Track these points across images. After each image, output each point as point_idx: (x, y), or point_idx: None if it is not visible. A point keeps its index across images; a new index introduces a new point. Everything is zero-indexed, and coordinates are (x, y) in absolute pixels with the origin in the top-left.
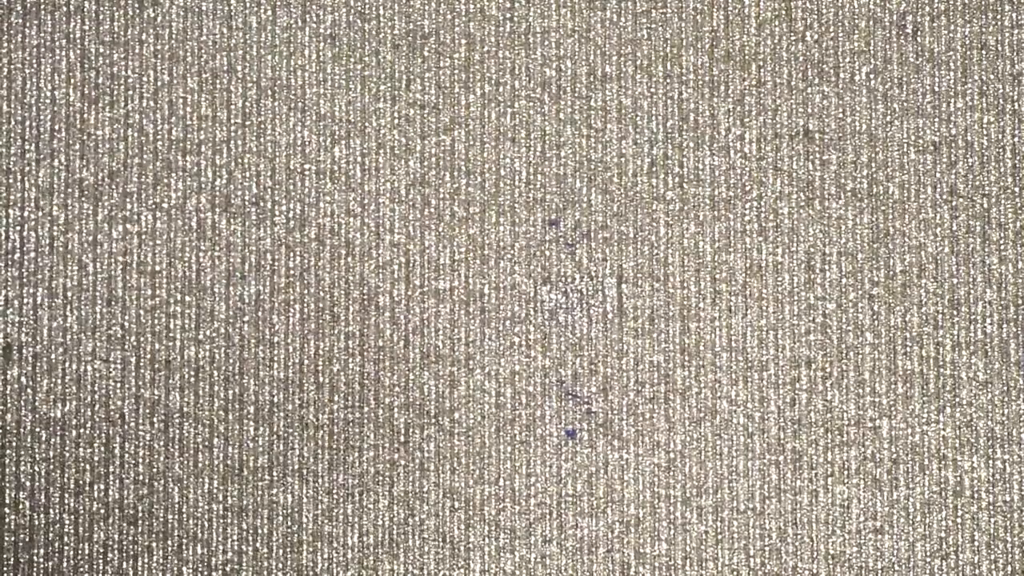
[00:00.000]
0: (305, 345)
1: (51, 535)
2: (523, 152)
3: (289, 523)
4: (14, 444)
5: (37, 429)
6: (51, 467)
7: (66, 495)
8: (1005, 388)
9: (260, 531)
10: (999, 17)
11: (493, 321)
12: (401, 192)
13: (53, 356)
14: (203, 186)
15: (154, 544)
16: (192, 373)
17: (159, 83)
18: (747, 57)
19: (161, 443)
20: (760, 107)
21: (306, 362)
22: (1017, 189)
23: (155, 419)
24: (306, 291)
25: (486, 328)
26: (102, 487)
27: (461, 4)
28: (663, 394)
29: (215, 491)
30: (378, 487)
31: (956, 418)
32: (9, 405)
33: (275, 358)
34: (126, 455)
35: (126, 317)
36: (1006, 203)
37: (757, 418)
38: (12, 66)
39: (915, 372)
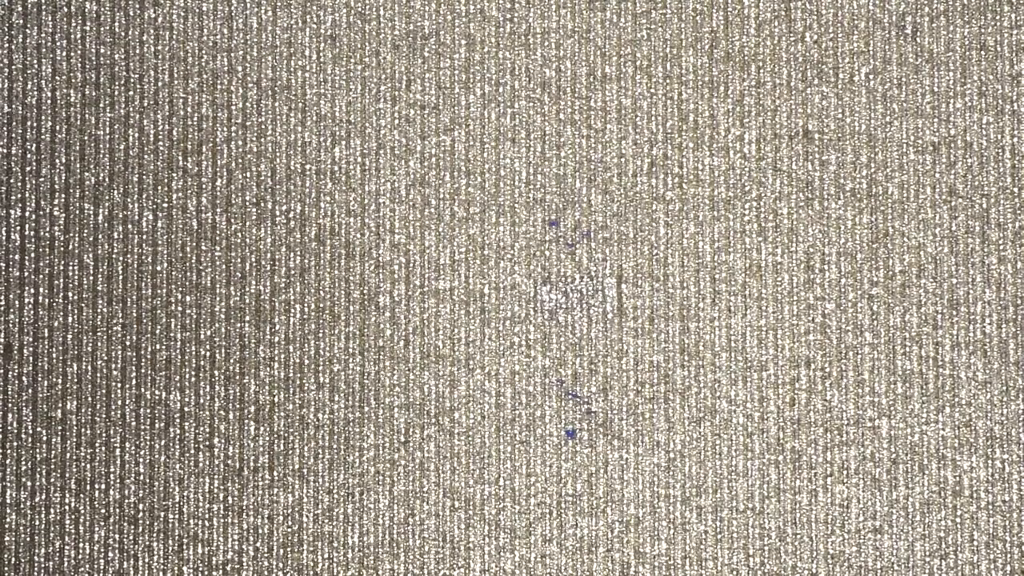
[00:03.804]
0: (305, 345)
1: (51, 535)
2: (523, 152)
3: (289, 523)
4: (14, 444)
5: (37, 429)
6: (51, 467)
7: (66, 495)
8: (1004, 388)
9: (260, 531)
10: (999, 17)
11: (493, 321)
12: (401, 192)
13: (53, 356)
14: (203, 186)
15: (154, 544)
16: (192, 373)
17: (160, 83)
18: (747, 57)
19: (161, 443)
20: (760, 107)
21: (306, 362)
22: (1016, 189)
23: (155, 419)
24: (306, 291)
25: (486, 328)
26: (102, 487)
27: (461, 4)
28: (663, 394)
29: (215, 491)
30: (378, 487)
31: (955, 418)
32: (9, 405)
33: (275, 358)
34: (126, 455)
35: (126, 317)
36: (1005, 203)
37: (757, 418)
38: (13, 66)
39: (914, 372)
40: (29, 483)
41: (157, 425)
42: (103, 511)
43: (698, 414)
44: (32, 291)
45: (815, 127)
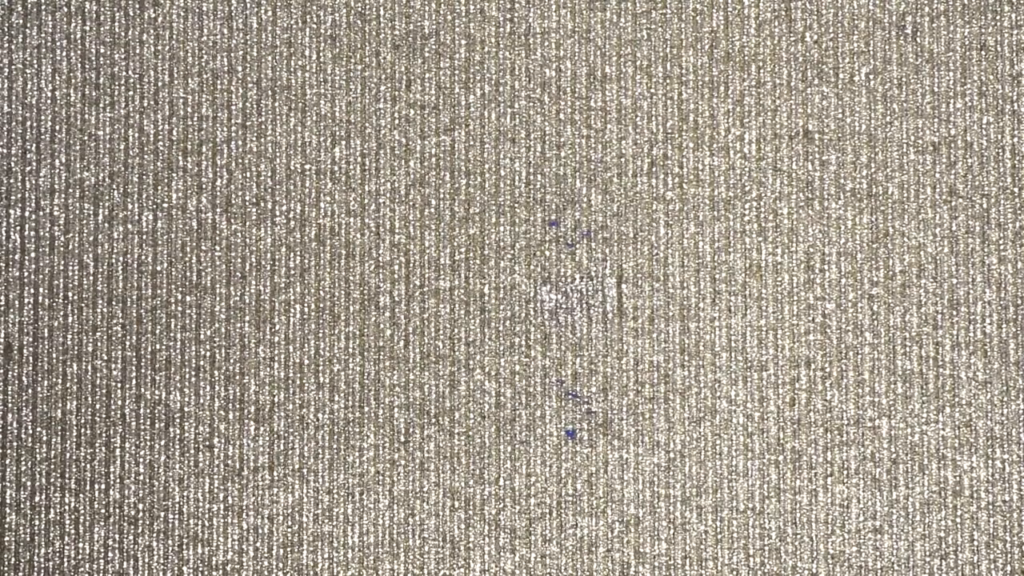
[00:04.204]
0: (305, 345)
1: (51, 535)
2: (523, 152)
3: (289, 523)
4: (14, 444)
5: (37, 429)
6: (51, 467)
7: (66, 495)
8: (1005, 388)
9: (260, 531)
10: (999, 17)
11: (493, 321)
12: (401, 192)
13: (53, 356)
14: (203, 186)
15: (154, 544)
16: (192, 373)
17: (160, 83)
18: (747, 57)
19: (161, 443)
20: (760, 107)
21: (306, 362)
22: (1017, 189)
23: (155, 419)
24: (306, 291)
25: (486, 328)
26: (102, 487)
27: (461, 4)
28: (663, 394)
29: (215, 491)
30: (378, 487)
31: (956, 418)
32: (9, 405)
33: (275, 358)
34: (126, 455)
35: (126, 317)
36: (1006, 203)
37: (757, 418)
38: (13, 66)
39: (915, 372)
40: (29, 483)
41: (157, 425)
42: (103, 511)
43: (698, 414)
44: (32, 291)
45: (815, 127)
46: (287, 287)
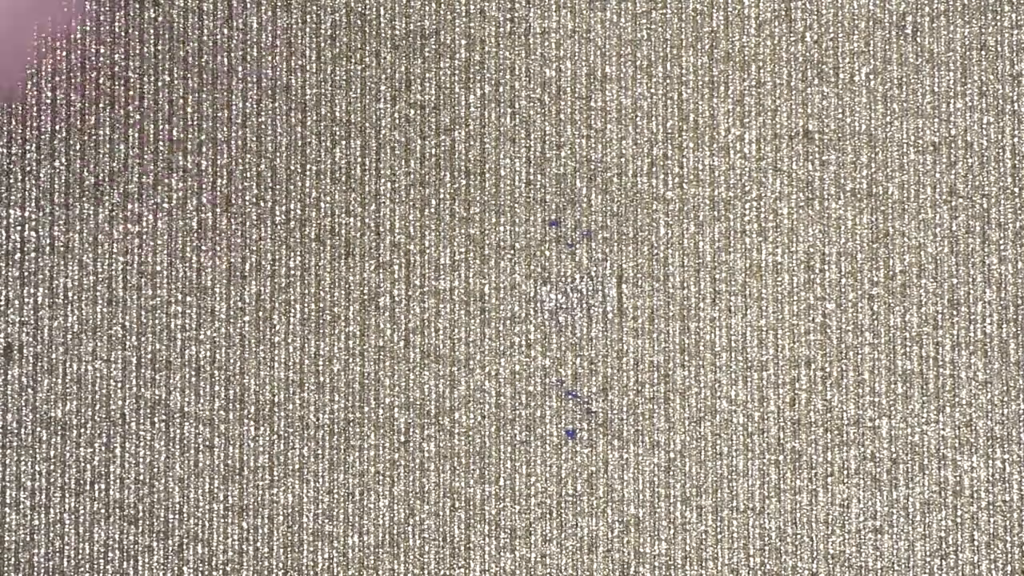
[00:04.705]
0: (305, 345)
1: (51, 535)
2: (523, 152)
3: (289, 523)
4: (14, 444)
5: (37, 429)
6: (51, 467)
7: (66, 495)
8: (1005, 388)
9: (260, 531)
10: (999, 17)
11: (493, 321)
12: (401, 192)
13: (53, 356)
14: (203, 186)
15: (154, 544)
16: (192, 373)
17: (159, 83)
18: (747, 57)
19: (161, 443)
20: (760, 107)
21: (306, 362)
22: (1017, 189)
23: (155, 419)
24: (306, 291)
25: (486, 328)
26: (102, 487)
27: (461, 4)
28: (663, 394)
29: (215, 491)
30: (378, 487)
31: (956, 418)
32: (9, 405)
33: (275, 358)
34: (126, 455)
35: (126, 317)
36: (1006, 203)
37: (757, 418)
38: None
39: (915, 372)
40: (29, 483)
41: (157, 425)
42: (103, 511)
43: (698, 414)
44: (32, 291)
45: (815, 127)
46: (287, 287)
